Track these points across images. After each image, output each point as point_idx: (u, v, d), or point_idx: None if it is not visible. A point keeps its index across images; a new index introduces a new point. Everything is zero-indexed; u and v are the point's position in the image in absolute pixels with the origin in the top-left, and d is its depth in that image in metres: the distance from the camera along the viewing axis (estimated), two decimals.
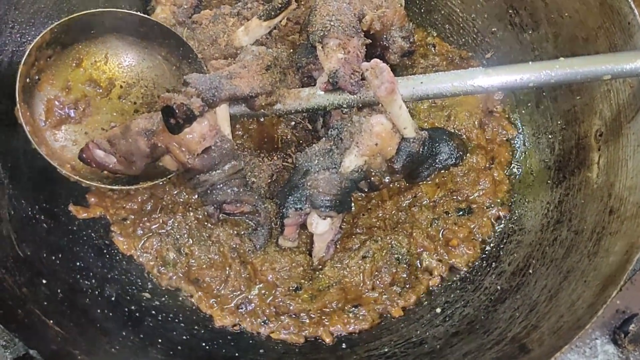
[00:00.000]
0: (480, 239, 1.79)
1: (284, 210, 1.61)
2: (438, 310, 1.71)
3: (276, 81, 1.58)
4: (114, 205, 1.71)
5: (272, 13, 1.65)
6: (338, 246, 1.74)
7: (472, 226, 1.79)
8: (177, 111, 1.41)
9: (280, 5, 1.63)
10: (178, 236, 1.71)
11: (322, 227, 1.61)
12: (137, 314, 1.60)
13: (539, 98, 1.85)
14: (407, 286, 1.74)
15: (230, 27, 1.67)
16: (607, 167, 1.59)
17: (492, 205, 1.81)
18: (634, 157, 1.50)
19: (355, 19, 1.64)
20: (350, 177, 1.57)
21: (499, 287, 1.69)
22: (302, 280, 1.71)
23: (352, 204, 1.75)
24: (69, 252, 1.59)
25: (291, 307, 1.68)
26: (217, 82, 1.47)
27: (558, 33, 1.74)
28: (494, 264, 1.75)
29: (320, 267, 1.72)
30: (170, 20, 1.73)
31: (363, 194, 1.79)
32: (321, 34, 1.57)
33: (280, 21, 1.69)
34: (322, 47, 1.56)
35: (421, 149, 1.62)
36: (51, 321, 1.37)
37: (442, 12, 1.99)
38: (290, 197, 1.60)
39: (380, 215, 1.78)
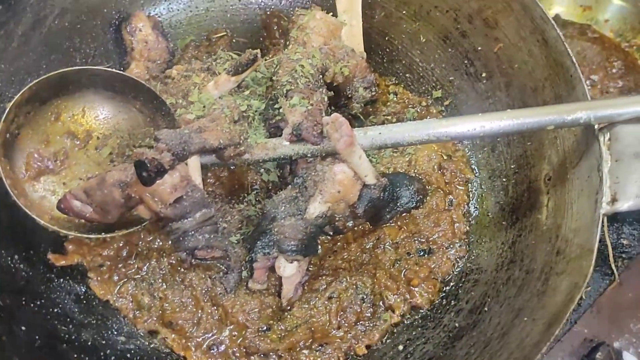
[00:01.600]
0: (440, 279, 1.84)
1: (252, 254, 1.67)
2: (400, 347, 1.75)
3: (244, 133, 1.66)
4: (90, 252, 1.75)
5: (240, 69, 1.71)
6: (305, 287, 1.79)
7: (432, 266, 1.84)
8: (148, 165, 1.49)
9: (247, 62, 1.70)
10: (152, 281, 1.76)
11: (289, 270, 1.66)
12: (113, 358, 1.64)
13: (494, 143, 1.94)
14: (371, 324, 1.78)
15: (201, 81, 1.74)
16: (555, 209, 1.67)
17: (451, 246, 1.87)
18: (578, 201, 1.58)
19: (318, 73, 1.73)
20: (315, 222, 1.63)
21: (457, 325, 1.74)
22: (272, 321, 1.75)
23: (319, 247, 1.81)
24: (47, 299, 1.64)
25: (260, 347, 1.71)
26: (187, 136, 1.55)
27: (509, 83, 1.83)
28: (452, 301, 1.81)
29: (289, 307, 1.76)
30: (144, 75, 1.81)
31: (329, 237, 1.86)
32: (286, 88, 1.66)
33: (248, 75, 1.77)
34: (286, 101, 1.65)
35: (382, 195, 1.69)
36: None
37: (403, 62, 2.09)
38: (258, 242, 1.65)
39: (345, 256, 1.83)
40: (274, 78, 1.71)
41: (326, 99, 1.72)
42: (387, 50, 2.09)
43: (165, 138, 1.54)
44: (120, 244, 1.78)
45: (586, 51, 2.29)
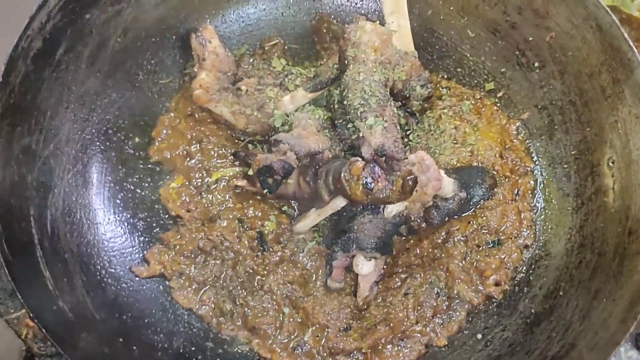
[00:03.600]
0: (511, 267, 1.85)
1: (331, 253, 1.74)
2: (479, 336, 1.80)
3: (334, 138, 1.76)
4: (170, 262, 1.81)
5: (319, 86, 1.80)
6: (380, 286, 1.83)
7: (502, 256, 1.85)
8: (276, 169, 1.58)
9: (326, 81, 1.79)
10: (231, 288, 1.81)
11: (367, 268, 1.73)
12: None
13: (552, 131, 1.92)
14: (448, 317, 1.82)
15: (275, 95, 1.81)
16: (622, 191, 1.68)
17: (519, 235, 1.88)
18: None
19: (384, 87, 1.73)
20: (392, 221, 1.71)
21: (533, 310, 1.77)
22: (351, 320, 1.80)
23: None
24: (136, 311, 1.72)
25: (343, 347, 1.76)
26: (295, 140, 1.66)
27: (564, 70, 1.84)
28: (525, 288, 1.83)
29: (365, 306, 1.81)
30: (214, 85, 1.83)
31: (403, 237, 1.88)
32: (359, 111, 1.65)
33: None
34: (362, 123, 1.63)
35: (458, 207, 1.77)
36: None
37: (453, 57, 2.08)
38: (338, 240, 1.73)
39: (417, 253, 1.86)
40: (344, 102, 1.71)
41: (395, 110, 1.74)
42: (437, 47, 2.09)
43: (285, 139, 1.62)
44: (197, 253, 1.83)
45: None
